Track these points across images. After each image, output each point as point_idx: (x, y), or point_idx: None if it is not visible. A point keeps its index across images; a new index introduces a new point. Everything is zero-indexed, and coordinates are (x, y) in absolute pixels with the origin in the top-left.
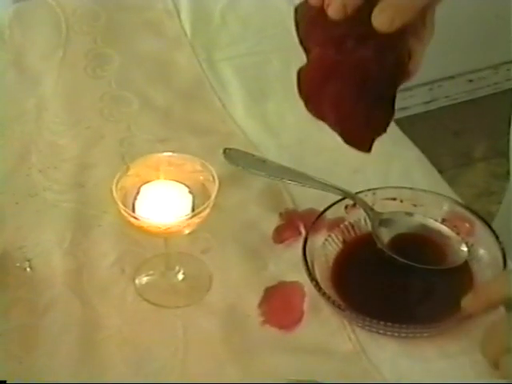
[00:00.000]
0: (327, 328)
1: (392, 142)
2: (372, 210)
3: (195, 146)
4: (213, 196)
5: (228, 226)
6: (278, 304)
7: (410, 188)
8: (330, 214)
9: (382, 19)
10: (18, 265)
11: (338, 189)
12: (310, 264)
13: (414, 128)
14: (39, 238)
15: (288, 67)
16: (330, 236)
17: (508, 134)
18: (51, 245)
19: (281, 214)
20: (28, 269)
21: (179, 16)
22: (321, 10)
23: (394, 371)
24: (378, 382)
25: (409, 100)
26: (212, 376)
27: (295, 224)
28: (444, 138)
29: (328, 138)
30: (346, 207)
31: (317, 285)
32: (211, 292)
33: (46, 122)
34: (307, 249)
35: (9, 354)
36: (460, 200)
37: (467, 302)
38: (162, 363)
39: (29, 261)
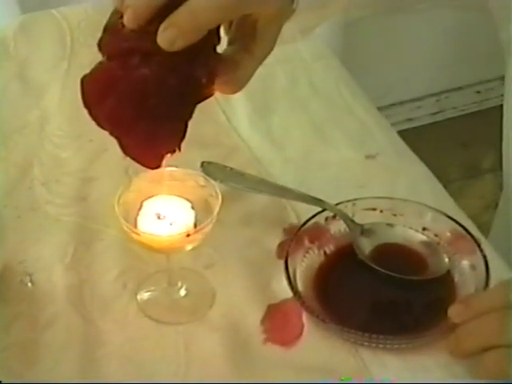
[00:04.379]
0: (329, 345)
1: (398, 157)
2: (352, 221)
3: (198, 159)
4: (216, 211)
5: (231, 242)
6: (280, 321)
7: (390, 198)
8: (311, 226)
9: (164, 37)
10: (19, 279)
11: (318, 200)
12: (292, 276)
13: (421, 139)
14: (41, 253)
15: (293, 80)
16: (311, 248)
17: None
18: (53, 259)
19: (285, 230)
20: (29, 283)
21: None
22: (122, 19)
23: None
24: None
25: (416, 111)
26: None
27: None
28: (452, 149)
29: (333, 152)
30: (327, 219)
31: (299, 298)
32: (214, 308)
33: (49, 135)
34: (289, 261)
35: (9, 370)
36: (465, 215)
37: (453, 311)
38: (163, 381)
39: (30, 275)
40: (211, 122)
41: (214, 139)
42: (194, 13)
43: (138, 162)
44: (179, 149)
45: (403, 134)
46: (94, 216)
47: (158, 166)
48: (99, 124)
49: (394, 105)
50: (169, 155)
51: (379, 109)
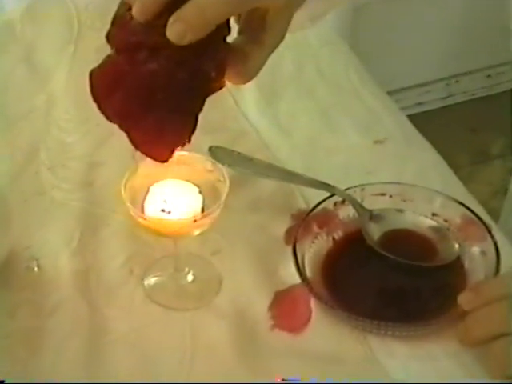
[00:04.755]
0: (337, 332)
1: (407, 142)
2: (361, 206)
3: (206, 143)
4: (223, 196)
5: (239, 227)
6: (288, 308)
7: (399, 183)
8: (319, 212)
9: (173, 31)
10: (25, 265)
11: (327, 185)
12: (300, 262)
13: (430, 124)
14: (47, 238)
15: (300, 66)
16: (319, 234)
17: None
18: (59, 245)
19: (293, 215)
20: (35, 269)
21: None
22: (130, 11)
23: (406, 376)
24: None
25: (425, 95)
26: (220, 381)
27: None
28: (461, 134)
29: (341, 138)
30: (336, 204)
31: (308, 284)
32: (220, 295)
33: (56, 119)
34: (297, 247)
35: (14, 357)
36: (475, 200)
37: (464, 299)
38: (170, 368)
39: (36, 260)
40: (219, 107)
41: (222, 124)
42: (202, 8)
43: (148, 156)
44: (189, 141)
45: (412, 119)
46: (101, 201)
47: (167, 160)
48: (108, 117)
49: (403, 89)
50: (179, 148)
51: (388, 93)
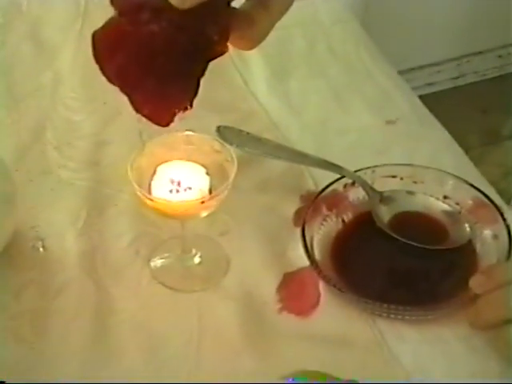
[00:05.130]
0: (346, 315)
1: (419, 123)
2: (371, 188)
3: (215, 123)
4: (231, 177)
5: (247, 208)
6: (296, 290)
7: (410, 164)
8: (328, 193)
9: None
10: (30, 245)
11: (337, 166)
12: (308, 245)
13: (440, 104)
14: (53, 218)
15: (312, 44)
16: (328, 216)
17: None
18: (65, 224)
19: (302, 196)
20: (41, 249)
21: None
22: None
23: (416, 360)
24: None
25: (436, 76)
26: (227, 364)
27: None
28: (471, 115)
29: (352, 118)
30: (345, 186)
31: (316, 266)
32: (228, 276)
33: (62, 97)
34: (306, 229)
35: (20, 338)
36: (487, 182)
37: (475, 282)
38: (176, 350)
39: (42, 240)
40: (228, 86)
41: (230, 103)
42: None
43: (149, 119)
44: (191, 106)
45: (422, 99)
46: (107, 180)
47: (168, 124)
48: (109, 79)
49: (413, 69)
50: (181, 113)
51: (399, 73)
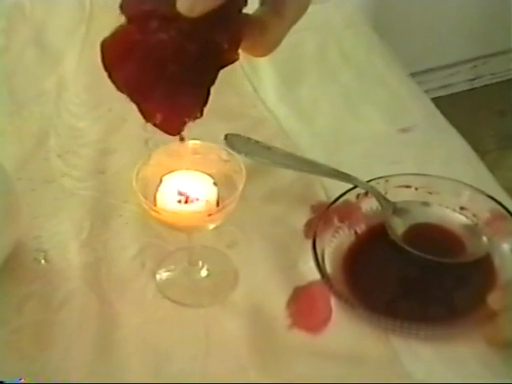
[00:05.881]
0: (358, 331)
1: (434, 130)
2: (385, 198)
3: (222, 131)
4: (240, 188)
5: (255, 219)
6: (307, 305)
7: (425, 175)
8: (340, 204)
9: (182, 2)
10: (32, 256)
11: (349, 176)
12: (320, 257)
13: (456, 107)
14: (56, 228)
15: (323, 48)
16: (340, 227)
17: None
18: (68, 235)
19: (313, 207)
20: (43, 261)
21: None
22: None
23: (429, 378)
24: None
25: (452, 77)
26: (235, 382)
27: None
28: (488, 118)
29: (364, 126)
30: (358, 196)
31: (328, 280)
32: (236, 290)
33: (66, 104)
34: (317, 241)
35: (21, 352)
36: (506, 193)
37: (493, 298)
38: (182, 366)
39: (44, 252)
40: (236, 93)
41: (238, 110)
42: None
43: (159, 128)
44: (201, 114)
45: (437, 102)
46: (112, 190)
47: (179, 132)
48: (118, 88)
49: (428, 71)
50: (190, 122)
51: (412, 75)
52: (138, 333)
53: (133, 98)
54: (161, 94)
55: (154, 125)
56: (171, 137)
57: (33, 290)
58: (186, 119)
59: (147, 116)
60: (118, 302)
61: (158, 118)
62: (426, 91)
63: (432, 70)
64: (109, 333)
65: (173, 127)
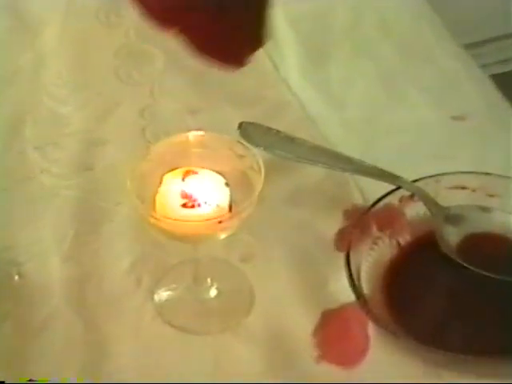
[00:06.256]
0: (401, 365)
1: (494, 120)
2: (435, 203)
3: (235, 119)
4: (257, 190)
5: (276, 227)
6: (338, 333)
7: (484, 173)
8: (380, 209)
9: None
10: (4, 271)
11: (391, 175)
12: (355, 275)
13: None
14: (33, 237)
15: (358, 17)
16: (380, 237)
17: None
18: (48, 245)
19: (346, 212)
20: (17, 276)
21: None
22: None
23: None
24: None
25: (510, 50)
26: None
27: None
28: None
29: (408, 113)
30: (401, 199)
31: (364, 303)
32: (252, 314)
33: (46, 84)
34: (351, 255)
35: None
36: None
37: None
38: None
39: (18, 266)
40: (253, 72)
41: (255, 93)
42: None
43: (215, 62)
44: (263, 42)
45: (495, 79)
46: (102, 190)
47: (242, 65)
48: (159, 19)
49: (484, 42)
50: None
51: (466, 47)
52: (134, 364)
53: (175, 25)
54: (212, 16)
55: (209, 59)
56: (174, 126)
57: (5, 311)
58: (247, 50)
59: (200, 48)
60: (107, 326)
61: (213, 49)
62: (482, 67)
63: (489, 40)
64: (97, 364)
65: (232, 59)
